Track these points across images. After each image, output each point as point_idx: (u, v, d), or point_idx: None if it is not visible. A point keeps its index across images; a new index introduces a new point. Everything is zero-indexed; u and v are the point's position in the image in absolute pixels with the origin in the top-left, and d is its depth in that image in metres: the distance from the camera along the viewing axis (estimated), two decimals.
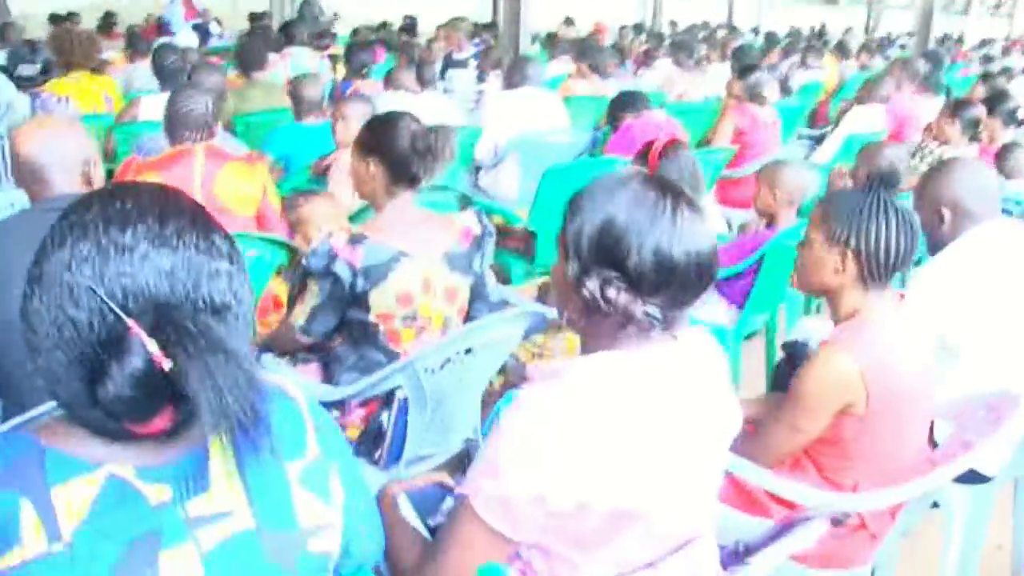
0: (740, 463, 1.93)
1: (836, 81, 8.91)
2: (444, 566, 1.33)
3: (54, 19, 8.70)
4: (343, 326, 2.44)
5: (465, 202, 3.60)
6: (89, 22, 10.30)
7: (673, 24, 14.65)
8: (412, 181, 2.42)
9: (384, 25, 10.03)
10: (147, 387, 0.92)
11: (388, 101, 4.73)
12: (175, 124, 3.07)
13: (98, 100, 5.32)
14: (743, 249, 3.22)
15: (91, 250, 0.95)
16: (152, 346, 0.91)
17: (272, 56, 6.23)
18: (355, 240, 2.33)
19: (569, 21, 13.10)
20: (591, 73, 6.32)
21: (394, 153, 2.38)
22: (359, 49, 5.71)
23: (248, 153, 3.26)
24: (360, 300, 2.36)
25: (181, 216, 1.01)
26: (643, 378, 1.32)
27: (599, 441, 1.25)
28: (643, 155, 2.85)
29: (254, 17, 9.63)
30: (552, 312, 2.41)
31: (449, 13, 9.89)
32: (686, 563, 1.39)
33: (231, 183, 3.06)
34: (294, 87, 4.39)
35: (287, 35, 6.84)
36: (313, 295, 2.38)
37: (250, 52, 5.44)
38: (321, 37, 6.95)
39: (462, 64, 7.49)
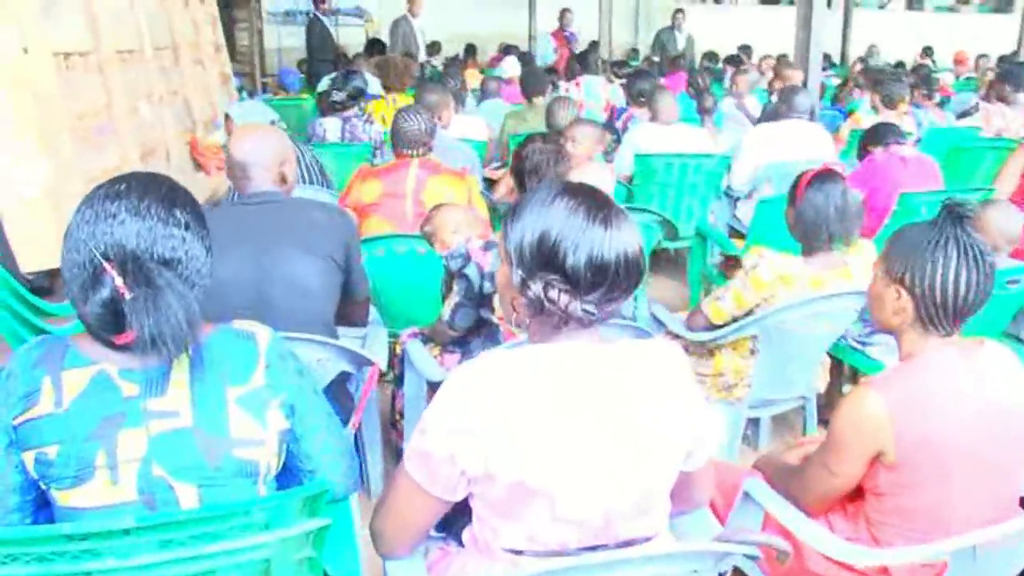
0: (767, 495, 1.90)
1: None
2: (384, 506, 1.57)
3: (370, 47, 9.80)
4: (481, 322, 2.71)
5: (666, 224, 3.68)
6: (450, 51, 11.66)
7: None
8: None
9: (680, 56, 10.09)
10: (114, 310, 1.37)
11: (643, 131, 4.92)
12: (396, 139, 3.55)
13: None
14: None
15: (91, 215, 1.42)
16: (118, 280, 1.36)
17: (564, 84, 6.69)
18: (488, 246, 2.60)
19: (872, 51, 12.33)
20: (884, 108, 5.96)
21: (532, 176, 2.62)
22: (639, 77, 5.92)
23: (462, 168, 3.64)
24: (487, 300, 2.62)
25: (154, 195, 1.46)
26: (562, 368, 1.45)
27: (507, 416, 1.40)
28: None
29: (509, 49, 10.09)
30: None
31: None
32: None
33: (438, 191, 3.45)
34: (549, 111, 4.74)
35: (583, 63, 7.25)
36: (455, 293, 2.68)
37: (531, 79, 5.89)
38: (615, 66, 7.32)
39: None
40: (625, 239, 1.43)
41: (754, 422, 3.27)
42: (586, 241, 1.41)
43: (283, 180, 2.55)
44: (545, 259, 1.44)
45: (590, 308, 1.43)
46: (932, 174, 4.24)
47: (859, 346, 3.22)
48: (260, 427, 1.49)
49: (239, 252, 2.35)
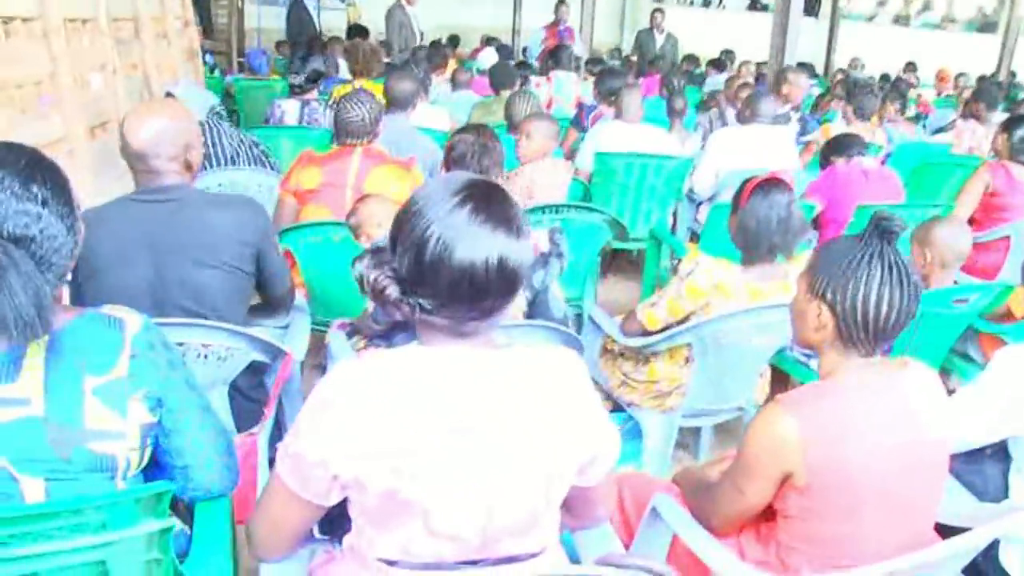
0: (675, 512, 1.81)
1: None
2: (258, 508, 1.47)
3: (351, 32, 9.68)
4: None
5: (615, 225, 3.59)
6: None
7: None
8: None
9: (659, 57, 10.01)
10: None
11: (607, 130, 4.82)
12: (338, 128, 3.44)
13: None
14: None
15: None
16: None
17: (535, 78, 6.59)
18: None
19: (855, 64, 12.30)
20: (856, 119, 5.90)
21: (458, 165, 2.52)
22: (609, 75, 5.83)
23: (409, 158, 3.53)
24: None
25: (10, 168, 1.36)
26: (443, 374, 1.35)
27: (381, 422, 1.31)
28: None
29: (489, 40, 10.03)
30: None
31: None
32: None
33: (381, 181, 3.34)
34: (507, 105, 4.63)
35: (555, 59, 7.15)
36: None
37: (500, 72, 5.79)
38: (591, 63, 7.23)
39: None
40: (502, 244, 1.31)
41: (695, 431, 3.18)
42: (459, 243, 1.30)
43: (188, 167, 2.32)
44: (413, 258, 1.34)
45: (454, 313, 1.34)
46: (894, 188, 4.18)
47: (804, 359, 3.14)
48: (119, 419, 1.40)
49: (136, 259, 2.18)
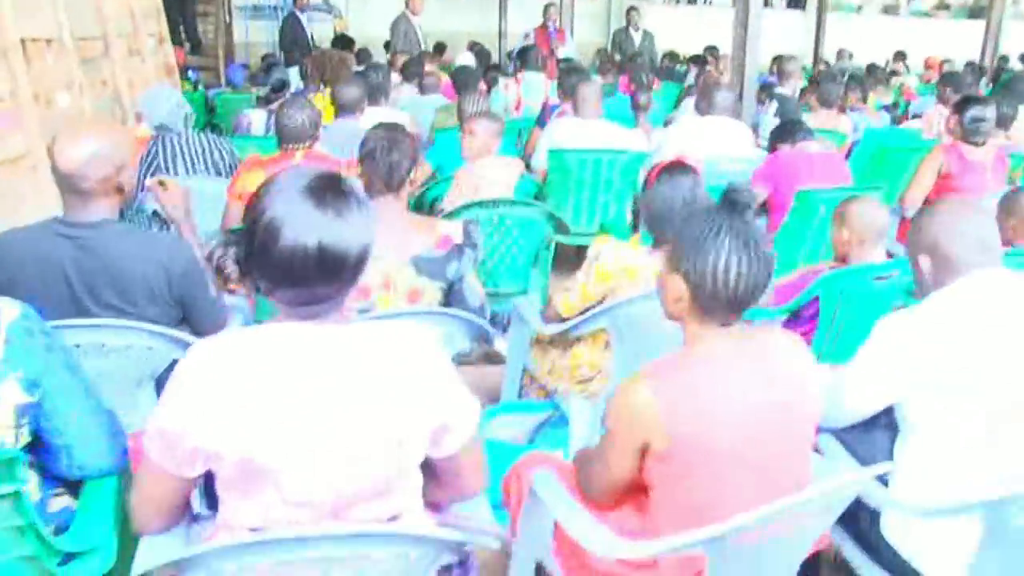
0: (550, 489, 1.87)
1: None
2: (134, 484, 1.56)
3: (337, 44, 9.81)
4: None
5: (552, 219, 3.66)
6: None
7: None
8: (388, 188, 2.59)
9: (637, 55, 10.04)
10: None
11: (562, 127, 4.88)
12: (279, 134, 3.53)
13: None
14: (794, 289, 2.95)
15: None
16: None
17: (504, 80, 6.67)
18: None
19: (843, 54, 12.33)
20: (819, 107, 5.95)
21: (368, 162, 2.59)
22: (571, 73, 5.89)
23: (348, 160, 3.61)
24: None
25: None
26: (293, 348, 1.45)
27: (236, 393, 1.41)
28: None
29: (472, 45, 10.16)
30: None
31: None
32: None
33: None
34: (458, 105, 4.71)
35: (523, 60, 7.23)
36: None
37: (462, 76, 5.87)
38: (561, 62, 7.33)
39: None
40: (329, 232, 1.41)
41: None
42: (286, 227, 1.41)
43: (119, 190, 2.25)
44: (247, 239, 1.45)
45: (287, 295, 1.45)
46: (838, 171, 4.22)
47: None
48: None
49: (52, 301, 2.14)
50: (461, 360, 3.98)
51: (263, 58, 10.64)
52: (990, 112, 4.64)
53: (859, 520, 2.13)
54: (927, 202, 4.68)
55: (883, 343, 2.06)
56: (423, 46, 10.21)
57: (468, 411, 1.60)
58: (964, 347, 1.96)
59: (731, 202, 1.74)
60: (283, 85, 5.31)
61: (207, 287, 2.40)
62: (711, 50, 11.29)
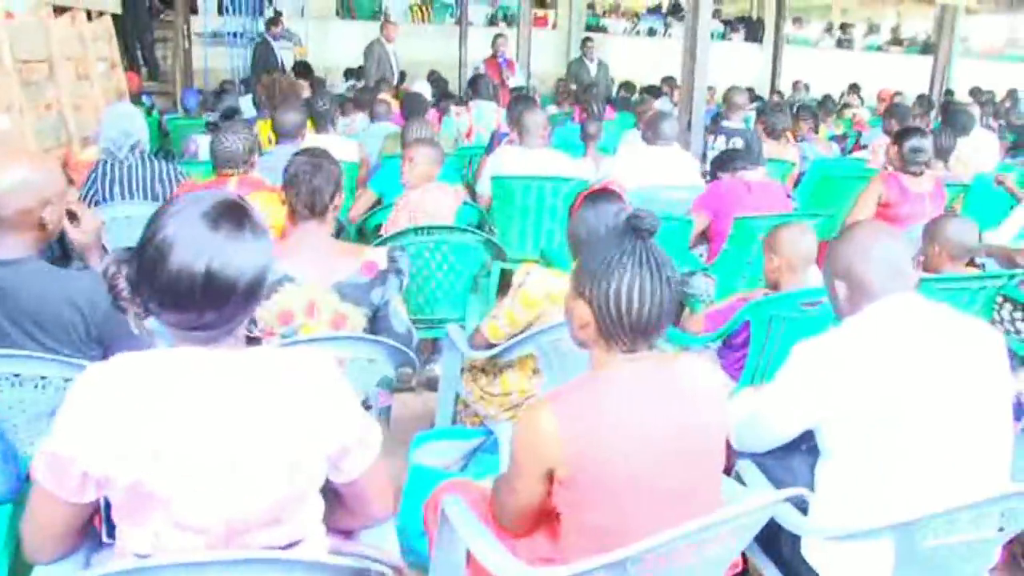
0: (459, 513, 1.84)
1: None
2: (25, 512, 1.51)
3: (297, 70, 9.84)
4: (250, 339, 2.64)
5: (490, 245, 3.65)
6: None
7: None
8: (312, 213, 2.57)
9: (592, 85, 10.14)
10: None
11: (505, 155, 4.89)
12: (214, 158, 3.51)
13: None
14: (725, 316, 2.96)
15: None
16: None
17: (456, 108, 6.70)
18: None
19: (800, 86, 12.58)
20: (767, 137, 6.02)
21: (292, 187, 2.57)
22: (519, 102, 5.93)
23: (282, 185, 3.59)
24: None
25: None
26: (186, 373, 1.43)
27: (126, 418, 1.38)
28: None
29: (431, 74, 10.14)
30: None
31: None
32: None
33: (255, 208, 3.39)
34: (403, 132, 4.70)
35: (474, 88, 7.27)
36: None
37: (410, 103, 5.88)
38: (514, 91, 7.39)
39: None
40: (220, 256, 1.39)
41: None
42: (175, 248, 1.39)
43: (41, 226, 2.15)
44: (138, 258, 1.43)
45: (176, 318, 1.43)
46: (777, 199, 4.27)
47: None
48: None
49: None
50: (402, 386, 3.98)
51: (221, 84, 10.63)
52: (928, 143, 4.73)
53: (780, 543, 2.13)
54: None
55: (798, 368, 2.07)
56: (396, 72, 10.24)
57: (368, 435, 1.58)
58: (877, 372, 1.97)
59: (634, 227, 1.73)
60: (233, 112, 5.28)
61: (127, 327, 2.34)
62: (668, 80, 11.44)
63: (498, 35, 10.60)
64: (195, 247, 1.38)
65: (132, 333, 2.30)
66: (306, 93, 6.78)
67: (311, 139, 5.00)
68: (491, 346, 2.73)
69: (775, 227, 3.00)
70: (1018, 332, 4.08)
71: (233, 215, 1.44)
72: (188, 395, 1.41)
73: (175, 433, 1.39)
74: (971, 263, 4.77)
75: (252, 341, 2.52)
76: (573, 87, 9.82)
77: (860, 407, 1.96)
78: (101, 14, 7.04)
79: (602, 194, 2.61)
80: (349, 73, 11.52)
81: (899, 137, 4.76)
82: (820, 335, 2.11)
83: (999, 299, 4.05)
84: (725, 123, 6.10)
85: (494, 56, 10.34)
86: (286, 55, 12.46)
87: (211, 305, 1.41)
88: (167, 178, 4.14)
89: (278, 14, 12.75)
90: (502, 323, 2.67)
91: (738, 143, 5.72)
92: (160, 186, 4.11)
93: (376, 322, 2.63)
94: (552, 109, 8.84)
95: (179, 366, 1.44)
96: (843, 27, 19.07)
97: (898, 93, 11.97)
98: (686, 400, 1.74)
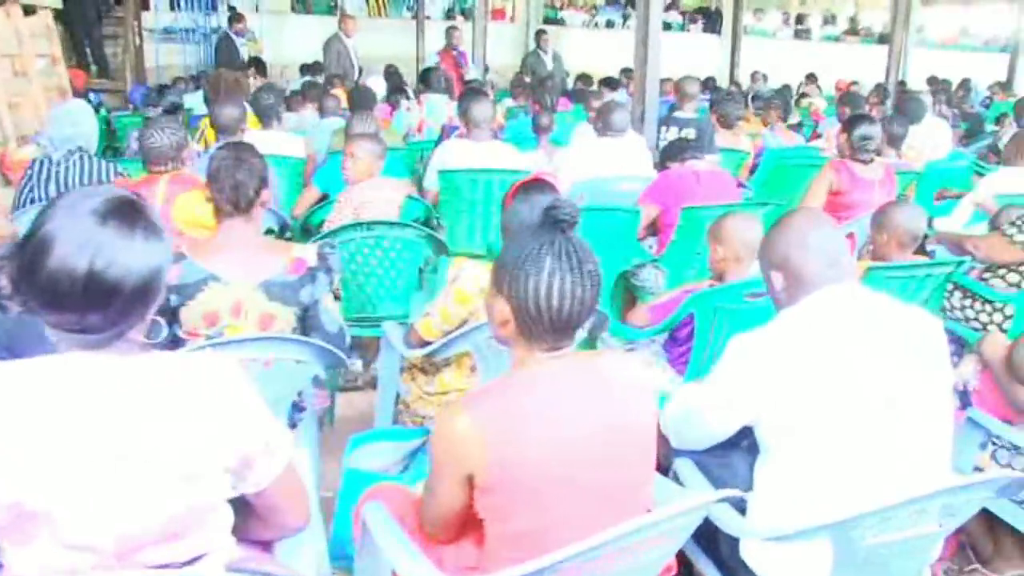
0: (380, 522, 1.76)
1: None
2: None
3: (251, 65, 9.68)
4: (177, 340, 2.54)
5: (434, 241, 3.56)
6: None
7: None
8: (236, 209, 2.47)
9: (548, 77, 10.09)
10: None
11: (451, 149, 4.80)
12: (144, 155, 3.39)
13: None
14: (669, 308, 2.90)
15: None
16: None
17: (406, 102, 6.59)
18: (176, 258, 2.43)
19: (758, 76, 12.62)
20: (720, 127, 5.98)
21: (214, 182, 2.47)
22: (466, 95, 5.83)
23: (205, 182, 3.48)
24: (175, 314, 2.46)
25: None
26: (67, 383, 1.34)
27: (2, 433, 1.28)
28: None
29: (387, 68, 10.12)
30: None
31: None
32: None
33: (187, 208, 3.28)
34: (347, 126, 4.60)
35: (425, 82, 7.16)
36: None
37: (358, 97, 5.77)
38: (468, 84, 7.30)
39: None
40: (105, 254, 1.31)
41: None
42: (57, 243, 1.30)
43: None
44: (19, 252, 1.34)
45: (59, 319, 1.34)
46: (725, 188, 4.21)
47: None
48: None
49: None
50: (349, 385, 3.89)
51: (173, 80, 10.42)
52: (877, 131, 4.71)
53: (719, 543, 2.07)
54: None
55: (733, 362, 2.00)
56: (357, 67, 10.09)
57: (276, 442, 1.49)
58: (812, 366, 1.91)
59: (553, 219, 1.66)
60: (176, 107, 5.14)
61: (38, 331, 2.23)
62: (627, 72, 11.39)
63: (452, 27, 10.49)
64: (78, 243, 1.29)
65: (44, 338, 2.21)
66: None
67: (254, 135, 4.88)
68: (426, 344, 2.64)
69: (719, 217, 2.94)
70: (968, 320, 4.07)
71: (124, 213, 1.35)
72: (70, 405, 1.32)
73: (56, 446, 1.30)
74: (922, 251, 4.79)
75: (176, 343, 2.46)
76: (527, 80, 9.74)
77: (796, 402, 1.90)
78: (39, 10, 6.83)
79: (534, 184, 2.53)
80: (305, 68, 11.34)
81: (848, 125, 4.74)
82: (756, 328, 2.05)
83: (949, 286, 4.05)
84: (677, 113, 6.05)
85: (448, 48, 10.23)
86: (243, 51, 12.31)
87: (94, 306, 1.31)
88: (105, 177, 4.03)
89: (232, 9, 12.58)
90: (436, 320, 2.58)
91: (690, 133, 5.68)
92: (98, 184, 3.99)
93: (306, 321, 2.53)
94: (508, 102, 8.76)
95: (61, 374, 1.34)
96: (799, 18, 19.18)
97: (854, 83, 12.06)
98: (611, 398, 1.67)
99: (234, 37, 10.23)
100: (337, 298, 3.62)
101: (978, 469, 2.65)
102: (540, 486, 1.60)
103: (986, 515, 2.58)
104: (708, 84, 11.24)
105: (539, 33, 11.49)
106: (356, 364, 3.77)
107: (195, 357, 1.48)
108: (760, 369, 1.94)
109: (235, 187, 2.42)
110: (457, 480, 1.62)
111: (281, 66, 12.40)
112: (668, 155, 4.30)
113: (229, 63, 9.90)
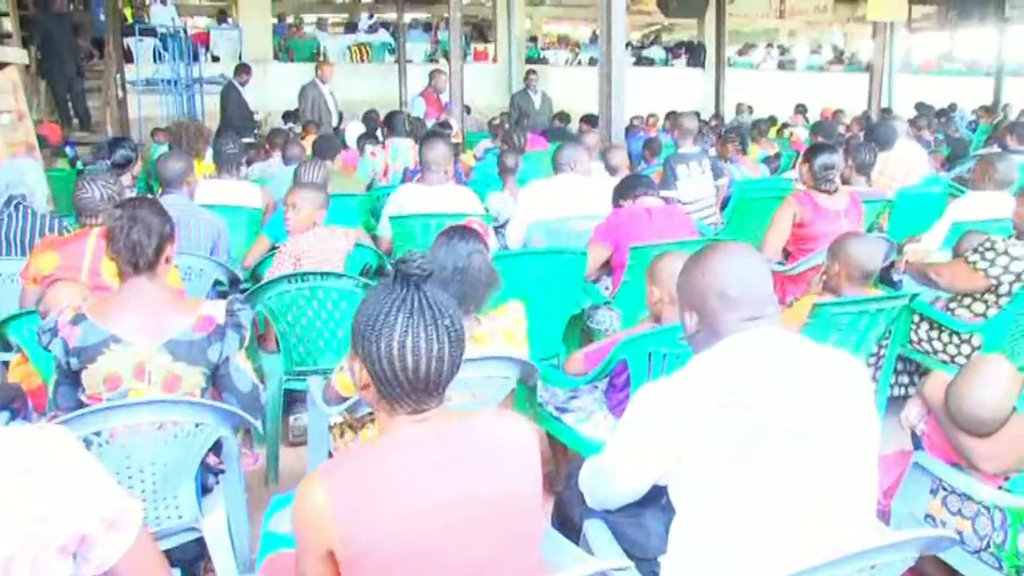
0: None
1: None
2: None
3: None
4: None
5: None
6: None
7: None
8: (135, 269, 2.38)
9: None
10: None
11: (404, 194, 4.73)
12: (76, 209, 3.31)
13: None
14: (602, 354, 2.79)
15: None
16: None
17: (370, 147, 6.55)
18: (76, 320, 2.35)
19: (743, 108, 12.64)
20: None
21: (111, 243, 2.39)
22: (425, 139, 5.78)
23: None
24: (76, 378, 2.36)
25: None
26: None
27: None
28: None
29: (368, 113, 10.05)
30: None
31: None
32: None
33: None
34: (295, 173, 4.53)
35: (390, 126, 7.13)
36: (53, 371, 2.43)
37: (321, 144, 5.73)
38: (440, 126, 7.29)
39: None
40: None
41: None
42: None
43: None
44: None
45: None
46: (679, 224, 4.12)
47: (557, 413, 3.01)
48: None
49: None
50: (296, 440, 3.76)
51: (155, 132, 10.42)
52: (838, 159, 4.62)
53: None
54: (787, 254, 4.63)
55: (639, 414, 1.88)
56: (333, 114, 10.09)
57: (121, 518, 1.38)
58: (723, 416, 1.78)
59: (403, 275, 1.56)
60: (127, 161, 5.09)
61: None
62: None
63: (436, 70, 10.49)
64: None
65: None
66: None
67: (208, 184, 4.82)
68: (344, 400, 2.53)
69: (655, 257, 2.84)
70: (935, 352, 3.95)
71: None
72: None
73: None
74: (888, 281, 4.68)
75: (80, 407, 2.35)
76: (497, 120, 9.72)
77: (705, 456, 1.77)
78: (6, 66, 6.82)
79: (458, 232, 2.44)
80: (288, 115, 11.36)
81: (809, 154, 4.65)
82: (664, 376, 1.93)
83: (915, 318, 3.93)
84: (683, 151, 5.94)
85: (433, 89, 10.22)
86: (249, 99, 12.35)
87: None
88: (40, 231, 3.98)
89: (215, 59, 12.62)
90: (351, 374, 2.47)
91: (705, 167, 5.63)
92: (38, 241, 3.93)
93: (217, 380, 2.43)
94: (487, 143, 8.73)
95: None
96: (781, 49, 19.23)
97: (839, 111, 12.02)
98: (482, 462, 1.55)
99: (239, 87, 10.19)
100: (277, 350, 3.53)
101: (930, 517, 2.52)
102: (401, 562, 1.48)
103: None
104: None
105: (528, 73, 11.50)
106: (302, 418, 3.66)
107: (19, 432, 1.37)
108: (666, 421, 1.81)
109: (131, 247, 2.33)
110: (319, 556, 1.51)
111: (265, 113, 12.45)
112: (620, 193, 4.20)
113: (238, 111, 9.98)
